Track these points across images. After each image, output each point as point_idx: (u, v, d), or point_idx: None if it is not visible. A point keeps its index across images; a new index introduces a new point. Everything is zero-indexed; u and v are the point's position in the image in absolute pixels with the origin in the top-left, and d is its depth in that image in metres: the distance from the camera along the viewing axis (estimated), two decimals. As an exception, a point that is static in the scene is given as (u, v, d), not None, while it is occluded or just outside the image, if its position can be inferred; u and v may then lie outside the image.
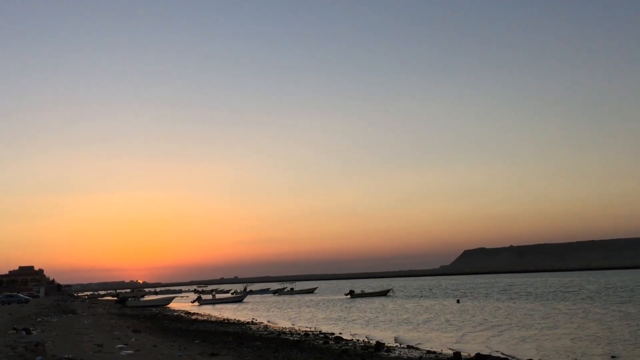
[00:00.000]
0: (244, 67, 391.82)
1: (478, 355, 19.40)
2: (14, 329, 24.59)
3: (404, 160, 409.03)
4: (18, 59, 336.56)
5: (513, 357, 19.62)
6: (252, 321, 42.99)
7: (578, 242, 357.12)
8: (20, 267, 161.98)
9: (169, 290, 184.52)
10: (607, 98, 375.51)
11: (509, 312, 40.22)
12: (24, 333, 22.84)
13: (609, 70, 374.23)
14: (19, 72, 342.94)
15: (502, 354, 20.54)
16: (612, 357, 19.49)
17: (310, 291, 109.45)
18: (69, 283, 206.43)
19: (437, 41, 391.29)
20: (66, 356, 15.17)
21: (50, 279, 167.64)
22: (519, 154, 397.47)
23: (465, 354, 20.20)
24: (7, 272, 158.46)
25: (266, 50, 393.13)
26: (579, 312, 37.31)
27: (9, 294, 72.47)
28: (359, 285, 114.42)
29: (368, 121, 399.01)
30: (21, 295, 77.19)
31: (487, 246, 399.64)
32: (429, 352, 21.74)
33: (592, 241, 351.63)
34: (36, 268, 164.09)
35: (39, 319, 34.00)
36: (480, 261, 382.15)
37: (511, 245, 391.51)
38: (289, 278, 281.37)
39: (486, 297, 63.50)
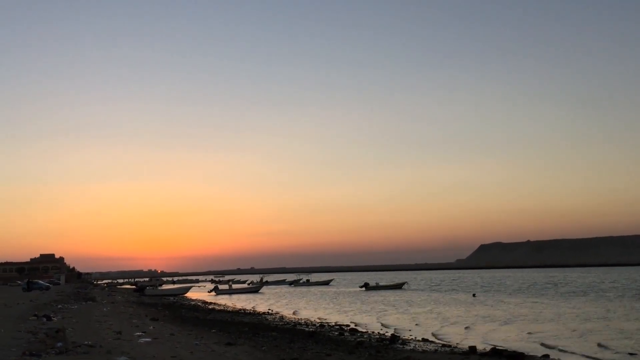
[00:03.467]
0: (257, 62, 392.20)
1: (494, 349, 19.35)
2: (35, 315, 25.02)
3: (420, 154, 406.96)
4: (27, 54, 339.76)
5: (530, 353, 19.52)
6: (268, 312, 43.25)
7: (596, 238, 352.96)
8: (41, 255, 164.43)
9: (187, 279, 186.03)
10: (629, 92, 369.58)
11: (527, 307, 39.99)
12: (44, 319, 23.24)
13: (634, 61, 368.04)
14: (38, 69, 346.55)
15: (519, 348, 20.46)
16: (630, 354, 19.33)
17: (326, 283, 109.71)
18: (89, 271, 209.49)
19: (462, 31, 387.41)
20: (86, 342, 15.41)
21: (71, 267, 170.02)
22: (538, 149, 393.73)
23: (481, 348, 20.16)
24: (29, 260, 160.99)
25: (276, 46, 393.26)
26: (601, 309, 36.98)
27: (30, 280, 73.59)
28: (374, 278, 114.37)
29: (383, 116, 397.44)
30: (42, 282, 78.40)
31: (504, 241, 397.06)
32: (444, 345, 21.74)
33: (610, 237, 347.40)
34: (57, 256, 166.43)
35: (59, 306, 34.54)
36: (497, 256, 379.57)
37: (528, 240, 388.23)
38: (305, 269, 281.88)
39: (503, 291, 63.18)
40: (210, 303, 57.33)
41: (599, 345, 21.38)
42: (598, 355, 19.33)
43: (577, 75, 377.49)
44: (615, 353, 19.67)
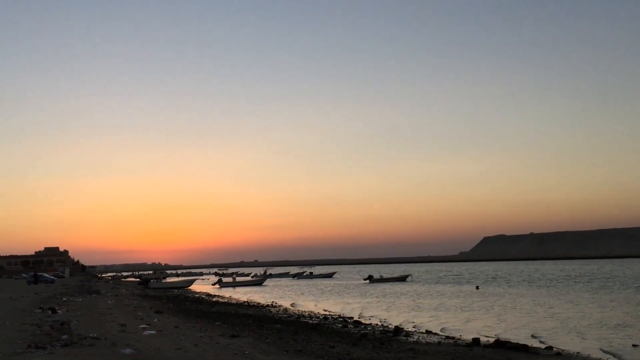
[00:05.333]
0: (262, 55, 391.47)
1: (497, 341, 19.37)
2: (40, 308, 25.12)
3: (424, 147, 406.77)
4: (37, 57, 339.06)
5: (532, 344, 19.55)
6: (271, 304, 43.35)
7: (599, 230, 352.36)
8: (46, 248, 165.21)
9: (191, 272, 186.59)
10: (634, 85, 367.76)
11: (529, 299, 40.01)
12: (49, 312, 23.34)
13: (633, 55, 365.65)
14: (42, 63, 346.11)
15: (523, 340, 20.48)
16: (634, 345, 19.34)
17: (329, 275, 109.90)
18: (93, 264, 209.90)
19: (474, 24, 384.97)
20: (91, 335, 15.47)
21: (75, 260, 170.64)
22: (542, 142, 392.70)
23: (485, 339, 20.20)
24: (34, 253, 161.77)
25: (282, 38, 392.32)
26: (601, 300, 36.99)
27: (35, 274, 73.90)
28: (377, 270, 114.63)
29: (387, 107, 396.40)
30: (47, 275, 78.71)
31: (507, 233, 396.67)
32: (447, 337, 21.78)
33: (614, 229, 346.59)
34: (61, 249, 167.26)
35: (64, 299, 34.67)
36: (500, 248, 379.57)
37: (531, 233, 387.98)
38: (308, 262, 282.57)
39: (506, 284, 63.21)
40: (214, 296, 57.49)
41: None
42: (601, 345, 19.34)
43: (583, 69, 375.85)
44: (616, 346, 19.67)
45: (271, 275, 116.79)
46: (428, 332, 23.58)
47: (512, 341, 19.55)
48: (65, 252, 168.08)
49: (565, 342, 20.37)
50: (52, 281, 70.44)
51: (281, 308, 39.10)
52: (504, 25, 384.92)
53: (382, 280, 79.29)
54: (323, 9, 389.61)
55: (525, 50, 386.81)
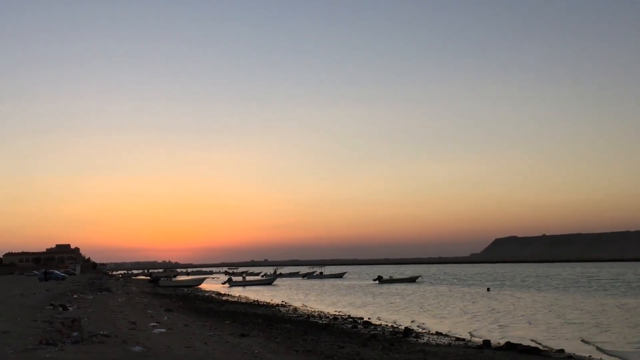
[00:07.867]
0: (272, 57, 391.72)
1: (508, 343, 19.22)
2: (51, 305, 25.29)
3: (435, 147, 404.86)
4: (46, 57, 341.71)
5: (544, 346, 19.39)
6: (281, 303, 43.38)
7: (612, 233, 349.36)
8: (57, 245, 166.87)
9: (201, 271, 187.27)
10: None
11: (540, 302, 39.72)
12: (60, 309, 23.49)
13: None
14: (49, 62, 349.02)
15: (533, 342, 20.32)
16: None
17: (339, 276, 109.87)
18: (104, 262, 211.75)
19: (483, 21, 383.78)
20: (101, 332, 15.52)
21: (86, 258, 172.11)
22: (553, 142, 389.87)
23: (495, 342, 20.05)
24: (45, 250, 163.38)
25: (290, 38, 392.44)
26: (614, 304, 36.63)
27: (47, 271, 74.49)
28: (387, 271, 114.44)
29: (398, 108, 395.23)
30: (58, 272, 79.33)
31: (519, 235, 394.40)
32: (458, 339, 21.65)
33: (627, 232, 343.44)
34: (72, 246, 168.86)
35: (75, 296, 34.90)
36: (512, 250, 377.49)
37: (544, 235, 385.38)
38: (319, 262, 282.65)
39: (517, 286, 62.83)
40: (224, 294, 57.64)
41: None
42: (614, 348, 19.13)
43: (597, 68, 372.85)
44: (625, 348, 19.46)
45: (281, 275, 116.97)
46: (438, 333, 23.46)
47: (524, 344, 19.39)
48: (77, 249, 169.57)
49: (577, 345, 20.17)
50: (63, 278, 70.96)
51: (291, 308, 39.09)
52: (518, 23, 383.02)
53: (391, 280, 79.15)
54: (336, 8, 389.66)
55: (539, 49, 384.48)
